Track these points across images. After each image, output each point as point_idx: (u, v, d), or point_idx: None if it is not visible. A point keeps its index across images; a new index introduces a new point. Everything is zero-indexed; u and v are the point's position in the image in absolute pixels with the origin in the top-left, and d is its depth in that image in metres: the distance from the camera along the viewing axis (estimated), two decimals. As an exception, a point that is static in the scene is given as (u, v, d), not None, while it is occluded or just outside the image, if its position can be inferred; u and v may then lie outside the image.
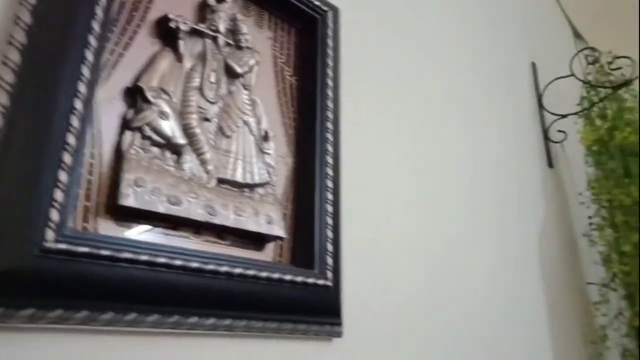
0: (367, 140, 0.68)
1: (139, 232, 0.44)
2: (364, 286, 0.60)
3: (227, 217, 0.47)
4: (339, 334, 0.54)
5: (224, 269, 0.45)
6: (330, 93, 0.60)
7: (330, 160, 0.57)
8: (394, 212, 0.69)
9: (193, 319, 0.43)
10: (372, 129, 0.70)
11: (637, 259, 0.92)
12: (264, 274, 0.47)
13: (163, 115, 0.46)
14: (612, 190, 0.98)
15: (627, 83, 1.03)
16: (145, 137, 0.45)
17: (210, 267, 0.44)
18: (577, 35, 1.11)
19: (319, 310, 0.51)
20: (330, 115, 0.59)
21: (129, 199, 0.41)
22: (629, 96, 1.05)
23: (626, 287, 0.95)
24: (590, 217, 1.02)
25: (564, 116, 1.10)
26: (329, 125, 0.59)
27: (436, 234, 0.75)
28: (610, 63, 1.07)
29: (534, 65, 1.17)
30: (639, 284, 0.92)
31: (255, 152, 0.53)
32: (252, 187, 0.51)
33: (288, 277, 0.49)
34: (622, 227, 0.95)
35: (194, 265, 0.43)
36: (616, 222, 0.97)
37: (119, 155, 0.43)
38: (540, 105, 1.13)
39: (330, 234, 0.55)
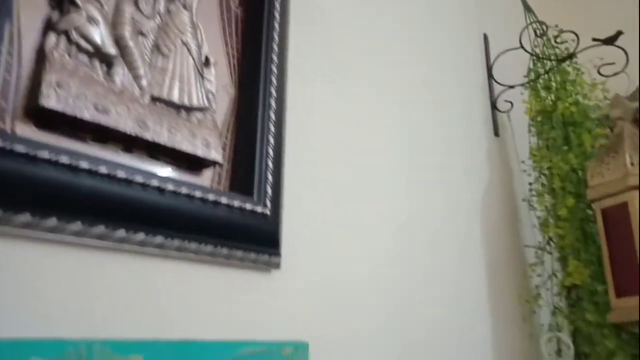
0: (313, 76, 0.67)
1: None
2: (305, 222, 0.60)
3: (160, 134, 0.46)
4: (277, 265, 0.54)
5: (155, 183, 0.43)
6: (277, 26, 0.59)
7: (274, 92, 0.56)
8: (337, 155, 0.69)
9: (120, 232, 0.41)
10: (319, 66, 0.69)
11: (571, 223, 0.97)
12: (198, 194, 0.46)
13: (92, 21, 0.43)
14: (552, 158, 1.03)
15: (570, 56, 1.07)
16: (71, 42, 0.42)
17: (140, 179, 0.42)
18: (527, 8, 1.15)
19: (256, 237, 0.51)
20: (276, 48, 0.58)
21: (50, 100, 0.39)
22: (572, 69, 1.09)
23: (560, 249, 1.00)
24: (530, 184, 1.06)
25: (511, 87, 1.13)
26: (275, 57, 0.57)
27: (381, 184, 0.76)
28: (556, 37, 1.11)
29: (485, 36, 1.20)
30: (571, 246, 0.97)
31: (195, 75, 0.51)
32: (189, 109, 0.50)
33: (224, 200, 0.48)
34: (559, 193, 1.00)
35: (121, 174, 0.41)
36: (554, 187, 1.02)
37: (40, 56, 0.40)
38: (490, 76, 1.16)
39: (270, 164, 0.54)
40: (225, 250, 0.48)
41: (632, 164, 0.87)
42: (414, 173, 0.85)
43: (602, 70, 1.03)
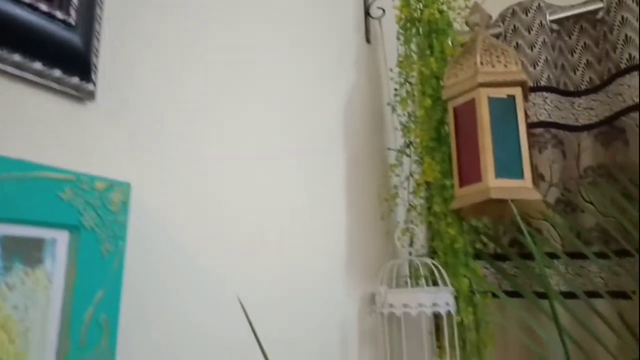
0: None
1: None
2: (126, 56, 0.54)
3: None
4: (91, 96, 0.47)
5: None
6: None
7: None
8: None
9: None
10: None
11: (427, 124, 1.02)
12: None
13: None
14: (417, 64, 1.06)
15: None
16: None
17: None
18: None
19: (56, 48, 0.43)
20: None
21: None
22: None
23: (416, 151, 1.05)
24: (396, 90, 1.09)
25: (384, -6, 1.14)
26: None
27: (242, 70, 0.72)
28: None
29: (362, -58, 1.18)
30: (426, 147, 1.02)
31: None
32: None
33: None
34: (419, 96, 1.04)
35: None
36: (415, 93, 1.06)
37: None
38: (365, -17, 1.15)
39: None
40: (17, 57, 0.40)
41: (481, 63, 0.92)
42: (283, 86, 0.82)
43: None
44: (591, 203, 1.17)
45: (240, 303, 0.64)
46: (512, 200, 0.95)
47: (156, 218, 0.54)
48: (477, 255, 1.07)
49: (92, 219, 0.44)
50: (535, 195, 0.86)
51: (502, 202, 0.95)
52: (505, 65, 0.91)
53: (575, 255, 1.13)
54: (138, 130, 0.54)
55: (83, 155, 0.47)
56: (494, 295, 1.05)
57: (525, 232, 0.65)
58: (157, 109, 0.57)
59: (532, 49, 1.23)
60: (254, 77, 0.77)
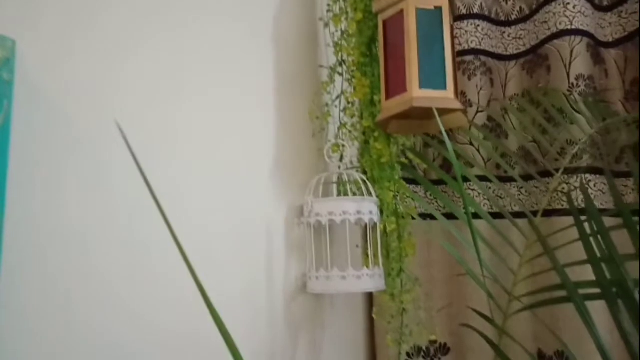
0: None
1: None
2: None
3: None
4: None
5: None
6: None
7: None
8: None
9: None
10: None
11: (359, 39, 1.02)
12: None
13: None
14: (351, -20, 1.04)
15: None
16: None
17: None
18: None
19: None
20: None
21: None
22: None
23: (349, 69, 1.05)
24: (329, 5, 1.07)
25: None
26: None
27: None
28: None
29: None
30: (357, 63, 1.02)
31: None
32: None
33: None
34: (352, 11, 1.03)
35: None
36: (348, 10, 1.04)
37: None
38: None
39: None
40: None
41: (410, -25, 0.92)
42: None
43: None
44: (515, 128, 1.23)
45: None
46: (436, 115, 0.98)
47: (43, 79, 0.52)
48: (408, 180, 1.11)
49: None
50: (457, 105, 0.89)
51: (427, 119, 0.97)
52: (434, -23, 0.92)
53: (498, 179, 1.18)
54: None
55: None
56: (423, 216, 1.10)
57: (448, 143, 0.67)
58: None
59: (465, -25, 1.24)
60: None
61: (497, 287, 0.96)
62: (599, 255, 0.73)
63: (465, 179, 1.16)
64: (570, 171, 1.11)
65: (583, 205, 1.04)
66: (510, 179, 1.17)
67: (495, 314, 0.89)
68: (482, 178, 1.14)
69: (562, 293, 0.81)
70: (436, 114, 0.76)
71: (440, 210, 1.19)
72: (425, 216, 1.14)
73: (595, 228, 0.76)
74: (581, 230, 0.78)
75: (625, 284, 0.69)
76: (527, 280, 0.95)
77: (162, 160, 0.76)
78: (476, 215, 1.10)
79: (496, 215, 1.13)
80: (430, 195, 1.21)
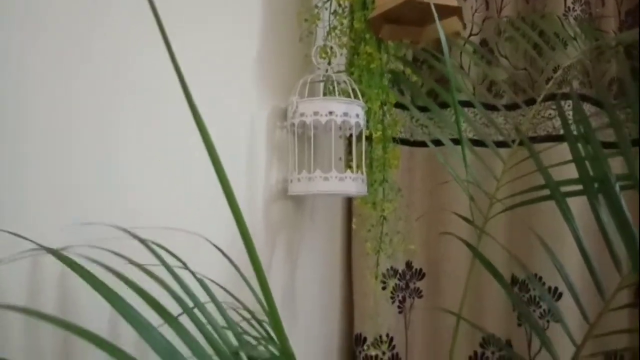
0: None
1: None
2: None
3: None
4: None
5: None
6: None
7: None
8: None
9: None
10: None
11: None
12: None
13: None
14: None
15: None
16: None
17: None
18: None
19: None
20: None
21: None
22: None
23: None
24: None
25: None
26: None
27: None
28: None
29: None
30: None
31: None
32: None
33: None
34: None
35: None
36: None
37: None
38: None
39: None
40: None
41: None
42: None
43: None
44: (506, 58, 1.21)
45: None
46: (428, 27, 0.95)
47: None
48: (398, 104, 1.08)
49: None
50: (452, 2, 0.85)
51: (420, 25, 0.94)
52: None
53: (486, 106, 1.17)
54: None
55: None
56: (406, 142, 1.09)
57: (444, 45, 0.64)
58: None
59: None
60: None
61: (478, 193, 0.95)
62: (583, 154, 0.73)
63: (447, 105, 1.14)
64: (555, 97, 1.09)
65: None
66: (508, 107, 1.16)
67: (475, 217, 0.89)
68: (467, 104, 1.13)
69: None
70: (434, 9, 0.73)
71: (426, 133, 1.17)
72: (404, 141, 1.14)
73: (582, 130, 0.76)
74: (567, 132, 0.77)
75: (607, 179, 0.69)
76: (508, 185, 0.94)
77: (145, 54, 0.71)
78: (457, 141, 1.09)
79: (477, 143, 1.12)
80: (417, 121, 1.20)
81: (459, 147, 1.04)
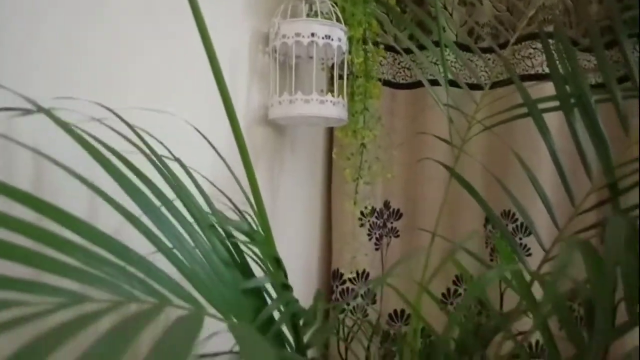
0: None
1: None
2: None
3: None
4: None
5: None
6: None
7: None
8: None
9: None
10: None
11: None
12: None
13: None
14: None
15: None
16: None
17: None
18: None
19: None
20: None
21: None
22: None
23: None
24: None
25: None
26: None
27: None
28: None
29: None
30: None
31: None
32: None
33: None
34: None
35: None
36: None
37: None
38: None
39: None
40: None
41: None
42: None
43: None
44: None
45: None
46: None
47: None
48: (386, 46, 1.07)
49: None
50: None
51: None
52: None
53: (465, 48, 1.17)
54: None
55: None
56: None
57: None
58: None
59: None
60: None
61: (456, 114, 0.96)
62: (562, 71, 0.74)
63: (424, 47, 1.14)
64: (537, 36, 1.10)
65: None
66: (486, 50, 1.16)
67: (454, 140, 0.90)
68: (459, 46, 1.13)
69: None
70: None
71: (406, 80, 1.17)
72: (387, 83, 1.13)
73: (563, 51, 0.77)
74: (548, 53, 0.78)
75: (584, 95, 0.70)
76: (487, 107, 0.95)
77: None
78: (435, 82, 1.09)
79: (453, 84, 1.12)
80: (400, 63, 1.19)
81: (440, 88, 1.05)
